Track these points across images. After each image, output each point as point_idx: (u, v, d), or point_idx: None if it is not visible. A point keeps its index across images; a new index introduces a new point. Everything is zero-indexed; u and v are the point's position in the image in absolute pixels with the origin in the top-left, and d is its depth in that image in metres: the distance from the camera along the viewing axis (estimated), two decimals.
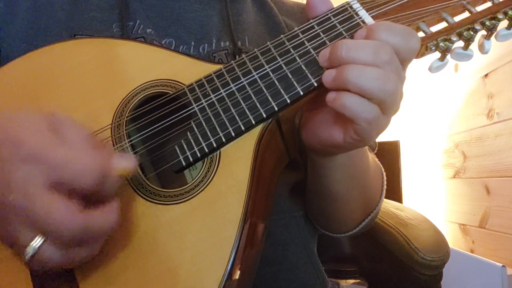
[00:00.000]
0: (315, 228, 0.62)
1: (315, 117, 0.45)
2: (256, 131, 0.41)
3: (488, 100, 1.41)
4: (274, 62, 0.42)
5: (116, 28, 0.54)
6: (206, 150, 0.40)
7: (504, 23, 0.43)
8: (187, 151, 0.41)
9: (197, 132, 0.41)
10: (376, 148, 0.67)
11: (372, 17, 0.42)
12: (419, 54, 0.43)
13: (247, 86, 0.42)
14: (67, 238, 0.31)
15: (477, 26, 0.42)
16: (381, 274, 0.93)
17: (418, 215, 0.93)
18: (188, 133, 0.41)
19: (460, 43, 0.43)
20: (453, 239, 1.64)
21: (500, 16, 0.42)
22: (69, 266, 0.34)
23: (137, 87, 0.44)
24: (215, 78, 0.43)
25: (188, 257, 0.37)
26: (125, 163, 0.35)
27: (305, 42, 0.42)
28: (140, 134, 0.42)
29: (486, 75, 1.41)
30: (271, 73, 0.42)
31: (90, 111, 0.42)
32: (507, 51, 1.28)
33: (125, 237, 0.38)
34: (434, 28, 0.43)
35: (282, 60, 0.42)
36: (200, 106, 0.42)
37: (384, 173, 0.62)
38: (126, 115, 0.42)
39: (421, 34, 0.42)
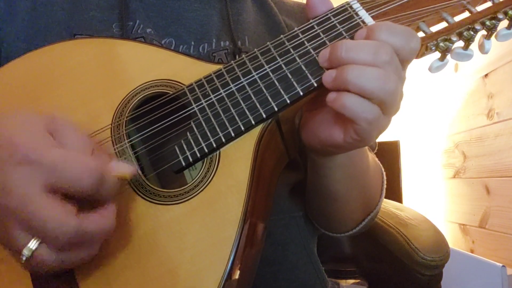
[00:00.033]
0: (315, 228, 0.62)
1: (315, 117, 0.45)
2: (256, 131, 0.41)
3: (488, 100, 1.41)
4: (274, 62, 0.42)
5: (116, 28, 0.54)
6: (206, 150, 0.40)
7: (504, 23, 0.43)
8: (186, 151, 0.41)
9: (197, 132, 0.41)
10: (376, 148, 0.67)
11: (372, 17, 0.42)
12: (419, 54, 0.43)
13: (247, 86, 0.42)
14: (62, 241, 0.31)
15: (477, 26, 0.42)
16: (381, 274, 0.93)
17: (418, 215, 0.93)
18: (188, 133, 0.41)
19: (460, 43, 0.43)
20: (453, 239, 1.64)
21: (500, 16, 0.42)
22: (66, 268, 0.33)
23: (137, 87, 0.44)
24: (215, 78, 0.43)
25: (187, 257, 0.37)
26: (124, 167, 0.35)
27: (305, 42, 0.42)
28: (140, 134, 0.42)
29: (486, 75, 1.41)
30: (271, 73, 0.42)
31: (90, 111, 0.42)
32: (507, 51, 1.28)
33: (125, 238, 0.38)
34: (434, 28, 0.43)
35: (282, 60, 0.42)
36: (200, 106, 0.42)
37: (384, 173, 0.62)
38: (126, 115, 0.42)
39: (421, 34, 0.42)
